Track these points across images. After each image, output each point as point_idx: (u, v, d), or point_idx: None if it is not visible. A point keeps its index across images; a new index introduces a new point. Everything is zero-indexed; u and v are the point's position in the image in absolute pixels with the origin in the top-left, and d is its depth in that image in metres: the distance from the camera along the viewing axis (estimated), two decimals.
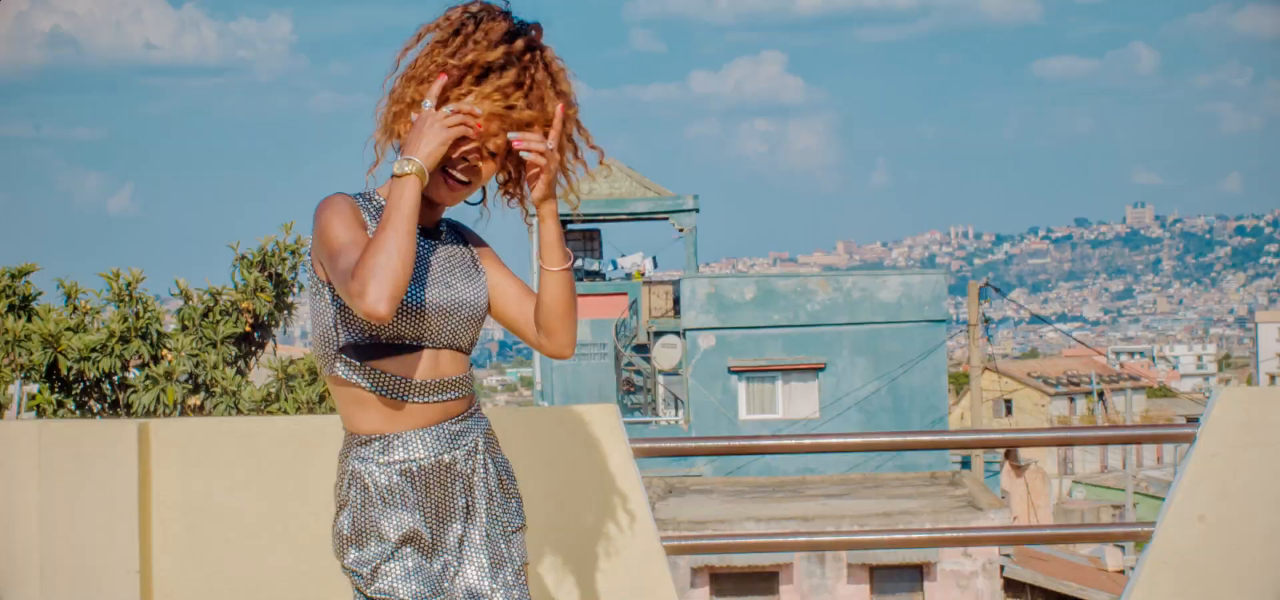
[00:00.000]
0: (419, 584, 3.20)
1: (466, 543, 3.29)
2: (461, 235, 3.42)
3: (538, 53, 3.24)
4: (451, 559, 3.27)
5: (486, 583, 3.28)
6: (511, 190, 3.37)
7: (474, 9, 3.26)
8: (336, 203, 3.22)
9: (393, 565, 3.20)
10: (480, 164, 3.25)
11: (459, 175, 3.24)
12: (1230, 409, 4.65)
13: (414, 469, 3.24)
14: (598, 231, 37.88)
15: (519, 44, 3.21)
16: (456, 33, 3.22)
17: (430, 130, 3.14)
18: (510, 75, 3.20)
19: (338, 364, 3.24)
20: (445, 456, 3.27)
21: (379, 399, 3.23)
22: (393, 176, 3.14)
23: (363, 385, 3.22)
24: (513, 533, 3.38)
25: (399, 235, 3.06)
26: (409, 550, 3.21)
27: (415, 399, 3.23)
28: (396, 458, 3.23)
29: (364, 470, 3.23)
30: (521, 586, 3.36)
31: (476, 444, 3.33)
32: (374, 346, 3.21)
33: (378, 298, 3.01)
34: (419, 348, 3.24)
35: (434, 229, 3.34)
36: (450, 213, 3.41)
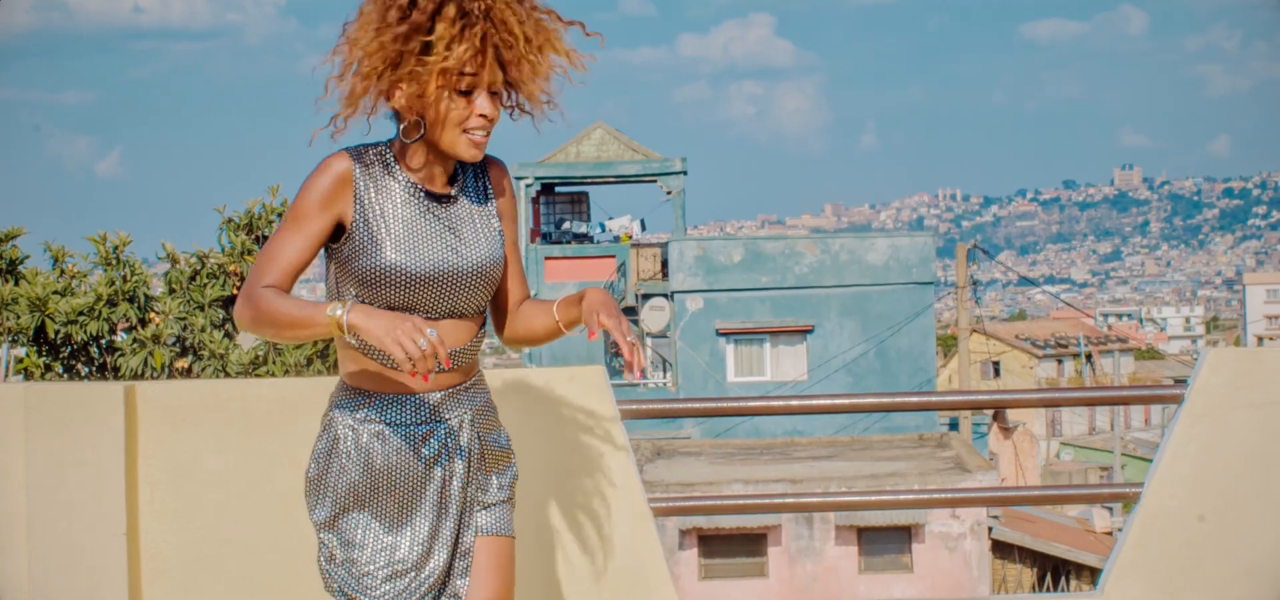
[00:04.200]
0: (368, 553, 3.18)
1: (435, 518, 3.21)
2: (484, 187, 3.30)
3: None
4: (414, 532, 3.20)
5: (443, 559, 3.22)
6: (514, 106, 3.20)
7: None
8: (312, 190, 3.13)
9: (346, 527, 3.19)
10: (489, 111, 3.11)
11: (476, 133, 3.12)
12: (1218, 370, 4.65)
13: (386, 432, 3.18)
14: (585, 194, 37.81)
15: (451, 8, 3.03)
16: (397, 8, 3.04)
17: (387, 332, 2.94)
18: (453, 33, 3.01)
19: None
20: (422, 427, 3.21)
21: (368, 358, 3.19)
22: (328, 312, 3.02)
23: (353, 343, 3.18)
24: (490, 506, 3.30)
25: (282, 332, 3.08)
26: (364, 516, 3.19)
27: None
28: (372, 417, 3.19)
29: (339, 421, 3.22)
30: (469, 565, 3.27)
31: (462, 420, 3.25)
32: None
33: (240, 325, 3.16)
34: (414, 313, 3.15)
35: (449, 181, 3.23)
36: None
